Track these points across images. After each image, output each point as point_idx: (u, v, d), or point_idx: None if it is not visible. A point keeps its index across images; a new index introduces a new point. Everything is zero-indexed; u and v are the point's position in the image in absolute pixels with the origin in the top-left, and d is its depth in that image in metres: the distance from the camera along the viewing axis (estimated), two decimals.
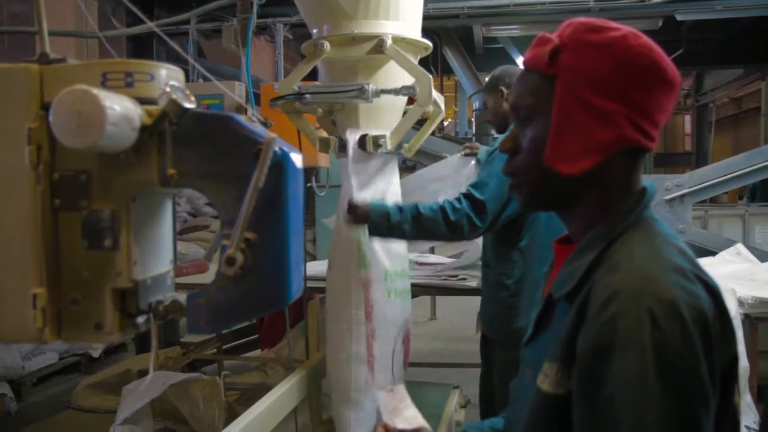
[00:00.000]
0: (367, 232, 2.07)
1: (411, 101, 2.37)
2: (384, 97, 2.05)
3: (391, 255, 2.18)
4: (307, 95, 1.96)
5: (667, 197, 4.12)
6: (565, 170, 0.84)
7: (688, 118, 14.34)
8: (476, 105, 8.49)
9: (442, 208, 2.12)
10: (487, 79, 2.34)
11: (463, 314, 5.35)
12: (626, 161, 0.86)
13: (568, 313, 0.82)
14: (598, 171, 0.84)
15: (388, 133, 2.04)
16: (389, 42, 1.94)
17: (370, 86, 1.89)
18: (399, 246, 2.22)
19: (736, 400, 0.81)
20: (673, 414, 0.70)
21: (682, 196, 4.14)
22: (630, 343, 0.72)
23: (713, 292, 0.79)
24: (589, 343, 0.75)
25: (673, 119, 14.43)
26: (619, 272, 0.78)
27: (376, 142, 2.01)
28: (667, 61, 0.84)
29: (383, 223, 2.03)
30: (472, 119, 9.35)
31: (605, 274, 0.79)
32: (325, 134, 2.23)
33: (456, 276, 3.07)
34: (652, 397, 0.70)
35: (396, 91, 1.96)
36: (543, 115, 0.85)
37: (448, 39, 7.11)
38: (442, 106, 2.21)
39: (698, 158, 11.60)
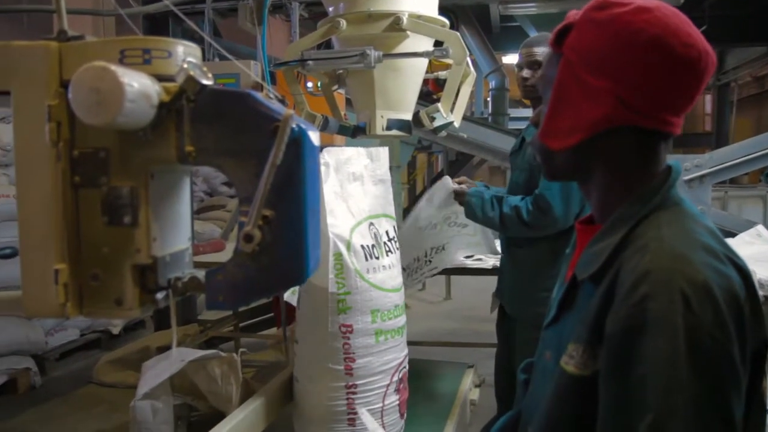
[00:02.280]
0: (347, 267, 1.85)
1: (427, 82, 2.34)
2: (401, 78, 2.03)
3: (384, 291, 1.93)
4: (310, 61, 1.94)
5: (686, 178, 4.07)
6: (552, 146, 0.86)
7: (708, 98, 14.09)
8: (492, 84, 8.40)
9: (517, 209, 2.23)
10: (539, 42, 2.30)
11: (477, 294, 5.36)
12: (630, 141, 0.84)
13: (593, 295, 0.81)
14: (594, 149, 0.84)
15: (438, 105, 2.02)
16: (406, 19, 1.93)
17: (372, 51, 1.86)
18: (393, 279, 1.98)
19: (764, 385, 0.80)
20: (704, 397, 0.70)
21: (701, 177, 4.08)
22: (662, 325, 0.71)
23: (744, 273, 0.78)
24: (620, 325, 0.74)
25: None
26: (649, 253, 0.76)
27: (430, 114, 2.00)
28: (680, 37, 0.79)
29: (478, 212, 2.30)
30: (488, 99, 9.26)
31: (634, 254, 0.78)
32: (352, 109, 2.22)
33: (471, 256, 3.06)
34: (683, 380, 0.70)
35: (427, 54, 1.92)
36: (550, 92, 0.87)
37: (465, 17, 7.02)
38: (471, 69, 2.19)
39: (718, 138, 11.42)
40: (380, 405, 1.90)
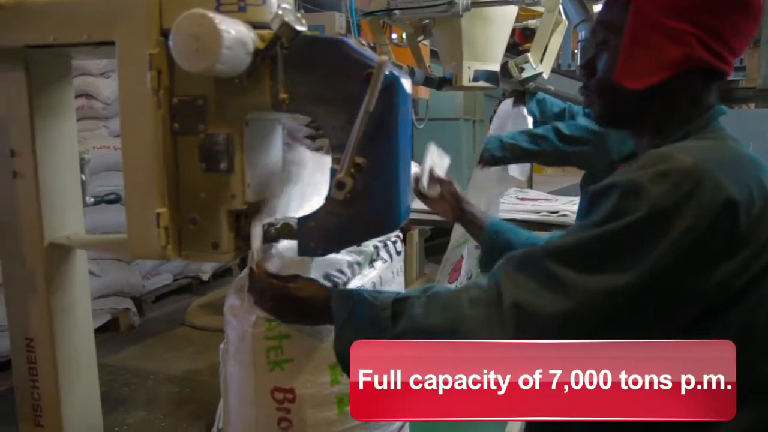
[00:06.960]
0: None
1: (513, 33, 2.25)
2: (489, 28, 1.97)
3: None
4: (397, 11, 1.91)
5: None
6: (632, 85, 0.89)
7: None
8: (582, 35, 8.01)
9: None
10: None
11: None
12: (695, 82, 0.88)
13: None
14: (665, 88, 0.88)
15: (528, 55, 1.95)
16: None
17: None
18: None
19: None
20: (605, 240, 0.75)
21: None
22: (623, 185, 0.76)
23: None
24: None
25: None
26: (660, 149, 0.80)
27: (519, 65, 1.95)
28: None
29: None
30: (577, 51, 8.85)
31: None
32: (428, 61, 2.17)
33: (557, 212, 2.99)
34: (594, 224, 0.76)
35: (517, 1, 1.84)
36: (616, 39, 0.90)
37: None
38: (563, 17, 2.09)
39: None
40: None
